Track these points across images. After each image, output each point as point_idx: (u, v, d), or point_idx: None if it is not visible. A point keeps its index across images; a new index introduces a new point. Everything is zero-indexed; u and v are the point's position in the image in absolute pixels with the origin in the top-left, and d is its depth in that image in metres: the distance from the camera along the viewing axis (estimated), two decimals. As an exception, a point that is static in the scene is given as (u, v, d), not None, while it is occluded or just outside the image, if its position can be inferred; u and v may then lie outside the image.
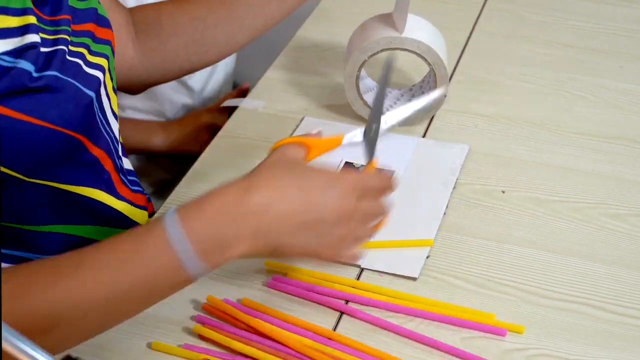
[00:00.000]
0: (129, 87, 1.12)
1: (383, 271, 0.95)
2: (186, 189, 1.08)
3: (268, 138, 1.15)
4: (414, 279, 0.94)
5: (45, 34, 0.87)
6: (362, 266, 0.95)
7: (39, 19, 0.87)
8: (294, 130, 1.16)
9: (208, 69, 1.43)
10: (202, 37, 1.11)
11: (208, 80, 1.47)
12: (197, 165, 1.12)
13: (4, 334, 0.57)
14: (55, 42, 0.87)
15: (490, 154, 1.12)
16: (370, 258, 0.96)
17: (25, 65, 0.82)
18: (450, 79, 1.25)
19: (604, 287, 0.93)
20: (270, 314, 0.90)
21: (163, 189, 1.41)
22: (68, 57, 0.88)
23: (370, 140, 0.86)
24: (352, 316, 0.90)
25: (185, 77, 1.39)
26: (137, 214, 1.00)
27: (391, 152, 1.06)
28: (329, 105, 1.21)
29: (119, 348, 0.87)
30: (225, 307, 0.90)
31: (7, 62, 0.81)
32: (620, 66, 1.28)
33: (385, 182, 0.84)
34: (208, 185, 1.08)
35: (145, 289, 0.75)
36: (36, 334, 0.64)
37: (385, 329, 0.89)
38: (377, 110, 0.86)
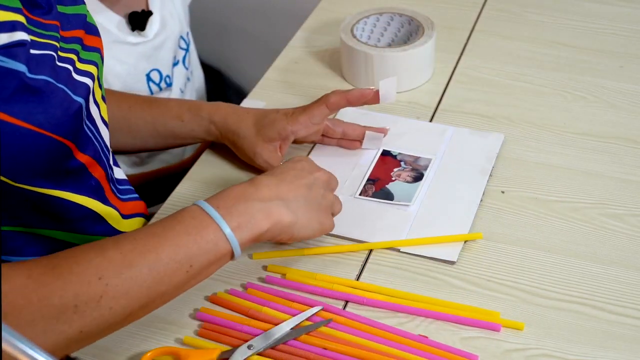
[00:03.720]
0: None
1: (422, 255, 0.97)
2: (186, 189, 1.08)
3: (268, 138, 1.15)
4: (452, 262, 0.95)
5: (35, 36, 0.84)
6: (401, 250, 0.97)
7: (28, 20, 0.84)
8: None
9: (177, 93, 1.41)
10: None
11: None
12: (197, 165, 1.12)
13: (4, 334, 0.57)
14: (44, 46, 0.85)
15: (490, 154, 1.12)
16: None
17: (17, 65, 0.79)
18: (450, 79, 1.26)
19: (603, 287, 0.93)
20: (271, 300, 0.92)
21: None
22: (58, 63, 0.86)
23: None
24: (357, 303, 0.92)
25: None
26: (124, 223, 1.00)
27: (425, 141, 1.13)
28: (329, 105, 1.21)
29: (119, 349, 0.87)
30: (229, 301, 0.91)
31: None
32: (620, 66, 1.27)
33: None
34: (208, 185, 1.08)
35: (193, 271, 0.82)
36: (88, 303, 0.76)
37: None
38: None
